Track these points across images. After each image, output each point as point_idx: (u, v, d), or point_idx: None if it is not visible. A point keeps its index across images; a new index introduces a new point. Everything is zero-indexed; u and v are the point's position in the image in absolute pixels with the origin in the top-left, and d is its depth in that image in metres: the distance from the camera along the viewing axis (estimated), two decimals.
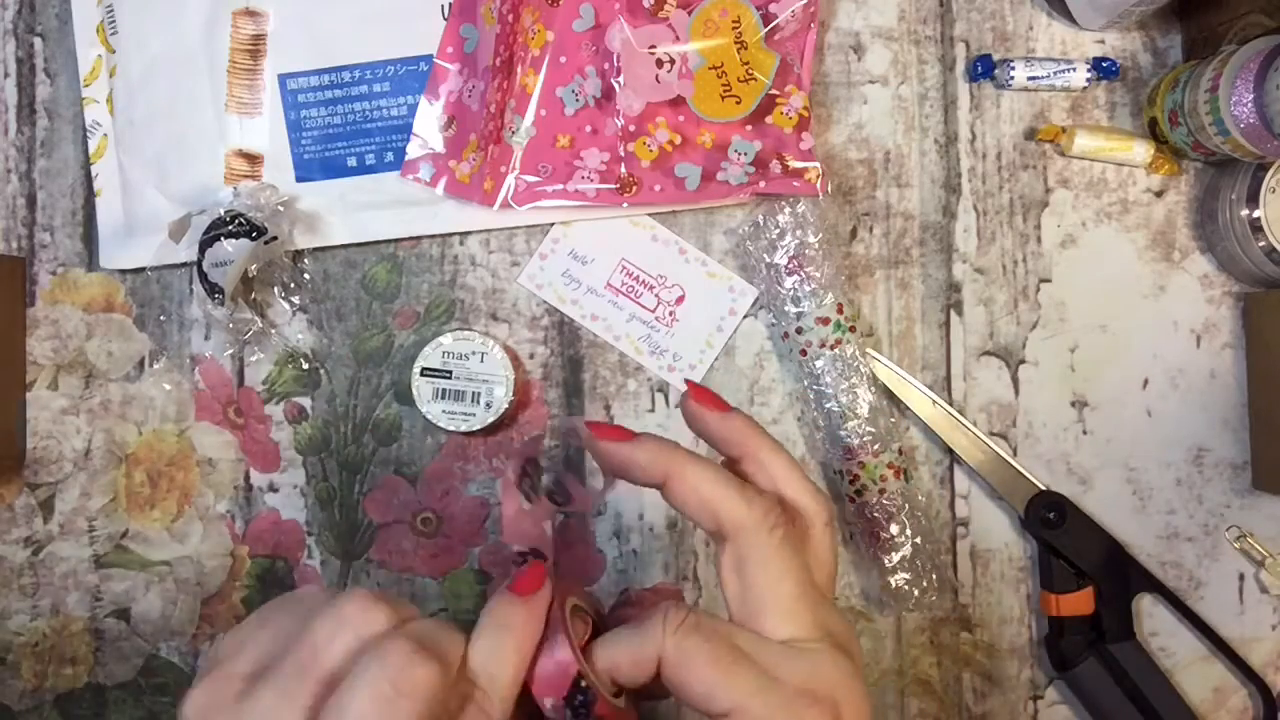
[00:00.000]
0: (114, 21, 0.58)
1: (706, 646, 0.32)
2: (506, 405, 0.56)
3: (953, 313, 0.59)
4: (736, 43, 0.56)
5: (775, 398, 0.59)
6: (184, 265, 0.58)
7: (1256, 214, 0.54)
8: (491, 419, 0.56)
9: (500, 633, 0.33)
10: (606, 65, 0.56)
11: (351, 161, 0.58)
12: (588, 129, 0.56)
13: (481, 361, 0.56)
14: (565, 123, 0.56)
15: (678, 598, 0.58)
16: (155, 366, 0.59)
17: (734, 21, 0.55)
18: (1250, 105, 0.50)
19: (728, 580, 0.35)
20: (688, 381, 0.38)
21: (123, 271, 0.59)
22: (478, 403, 0.56)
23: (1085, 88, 0.59)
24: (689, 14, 0.55)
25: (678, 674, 0.33)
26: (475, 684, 0.32)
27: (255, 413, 0.59)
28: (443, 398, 0.56)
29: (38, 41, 0.60)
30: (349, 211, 0.58)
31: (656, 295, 0.59)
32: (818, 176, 0.56)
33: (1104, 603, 0.56)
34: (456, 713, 0.31)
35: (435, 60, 0.58)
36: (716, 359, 0.59)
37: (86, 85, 0.59)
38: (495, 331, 0.59)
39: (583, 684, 0.33)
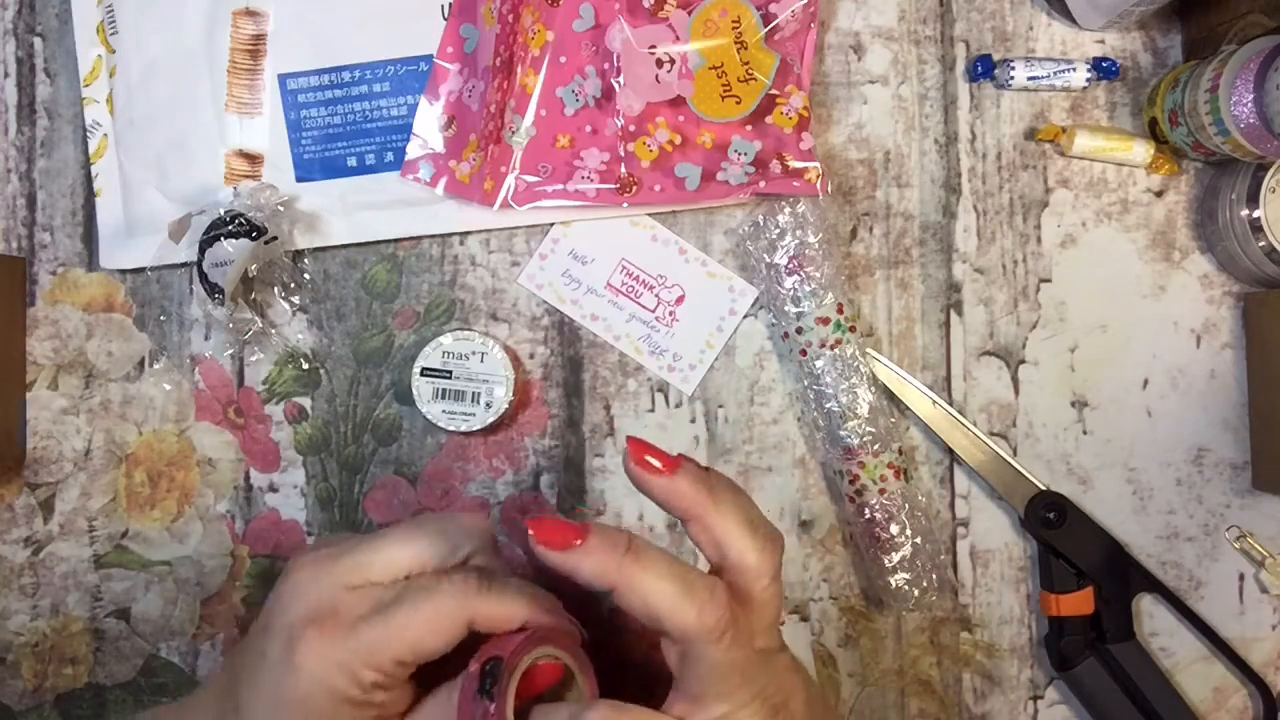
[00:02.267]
0: (114, 21, 0.58)
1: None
2: (506, 405, 0.56)
3: (953, 313, 0.59)
4: (736, 43, 0.56)
5: (775, 398, 0.59)
6: (184, 265, 0.58)
7: (1256, 214, 0.54)
8: (491, 419, 0.56)
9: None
10: (606, 65, 0.56)
11: (351, 161, 0.58)
12: (588, 129, 0.56)
13: (481, 361, 0.56)
14: (565, 123, 0.56)
15: None
16: (155, 366, 0.59)
17: (734, 21, 0.55)
18: (1250, 105, 0.50)
19: (673, 665, 0.35)
20: (629, 439, 0.37)
21: (123, 271, 0.59)
22: (478, 403, 0.56)
23: (1085, 88, 0.59)
24: (689, 14, 0.55)
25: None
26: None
27: (255, 413, 0.59)
28: (443, 398, 0.56)
29: (38, 41, 0.60)
30: (349, 211, 0.58)
31: (656, 295, 0.59)
32: (818, 176, 0.56)
33: (1104, 603, 0.56)
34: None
35: (435, 60, 0.58)
36: (716, 359, 0.59)
37: (86, 85, 0.59)
38: (495, 331, 0.59)
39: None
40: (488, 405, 0.56)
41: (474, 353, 0.56)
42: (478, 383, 0.56)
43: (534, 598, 0.38)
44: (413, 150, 0.58)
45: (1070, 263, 0.59)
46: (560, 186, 0.56)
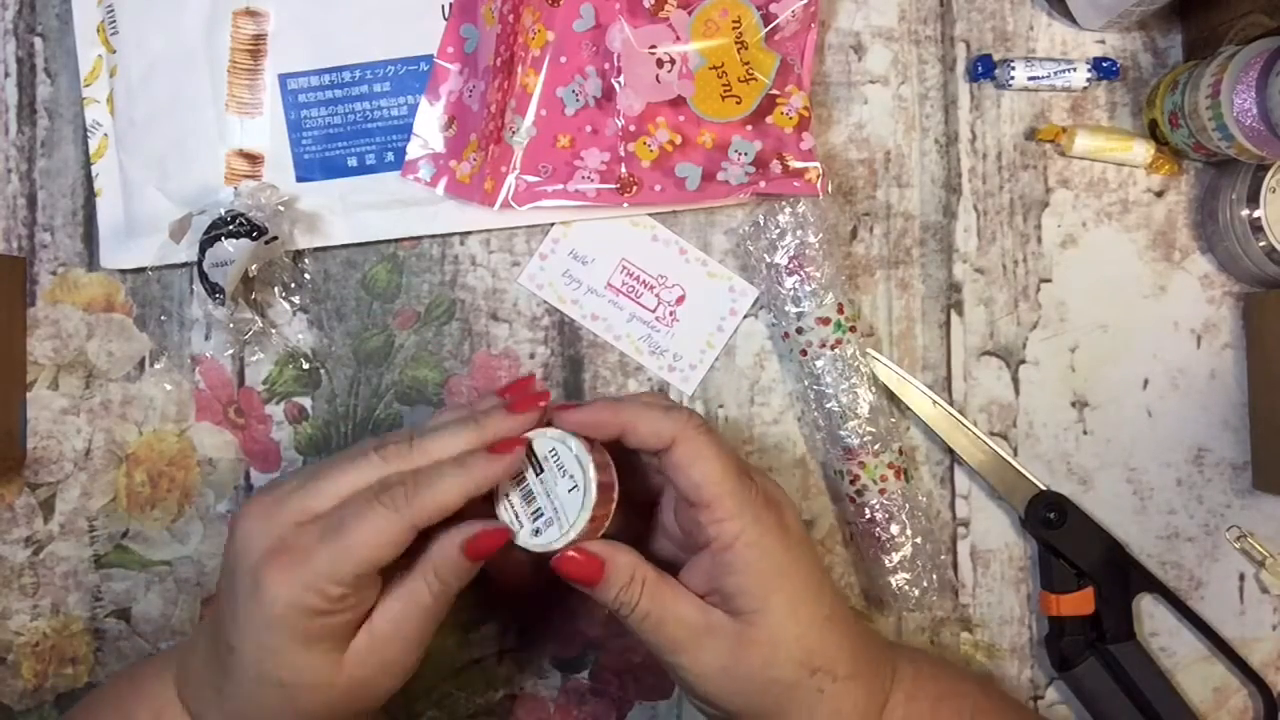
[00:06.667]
0: (114, 21, 0.58)
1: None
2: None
3: (953, 313, 0.59)
4: (737, 43, 0.56)
5: (775, 398, 0.59)
6: (184, 265, 0.58)
7: (1257, 214, 0.54)
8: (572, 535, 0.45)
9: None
10: (607, 65, 0.56)
11: (352, 161, 0.58)
12: (588, 129, 0.56)
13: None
14: (565, 123, 0.56)
15: None
16: (155, 366, 0.59)
17: (734, 21, 0.55)
18: (1253, 108, 0.50)
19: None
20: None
21: (123, 271, 0.59)
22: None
23: (1085, 88, 0.59)
24: (689, 14, 0.55)
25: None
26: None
27: (255, 413, 0.59)
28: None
29: (38, 41, 0.60)
30: (349, 211, 0.58)
31: (657, 295, 0.59)
32: (818, 176, 0.56)
33: (1104, 603, 0.56)
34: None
35: (435, 60, 0.58)
36: (717, 359, 0.59)
37: (87, 85, 0.59)
38: (495, 331, 0.59)
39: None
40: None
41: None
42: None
43: (464, 471, 0.42)
44: (413, 150, 0.58)
45: (1070, 263, 0.59)
46: (560, 186, 0.56)
